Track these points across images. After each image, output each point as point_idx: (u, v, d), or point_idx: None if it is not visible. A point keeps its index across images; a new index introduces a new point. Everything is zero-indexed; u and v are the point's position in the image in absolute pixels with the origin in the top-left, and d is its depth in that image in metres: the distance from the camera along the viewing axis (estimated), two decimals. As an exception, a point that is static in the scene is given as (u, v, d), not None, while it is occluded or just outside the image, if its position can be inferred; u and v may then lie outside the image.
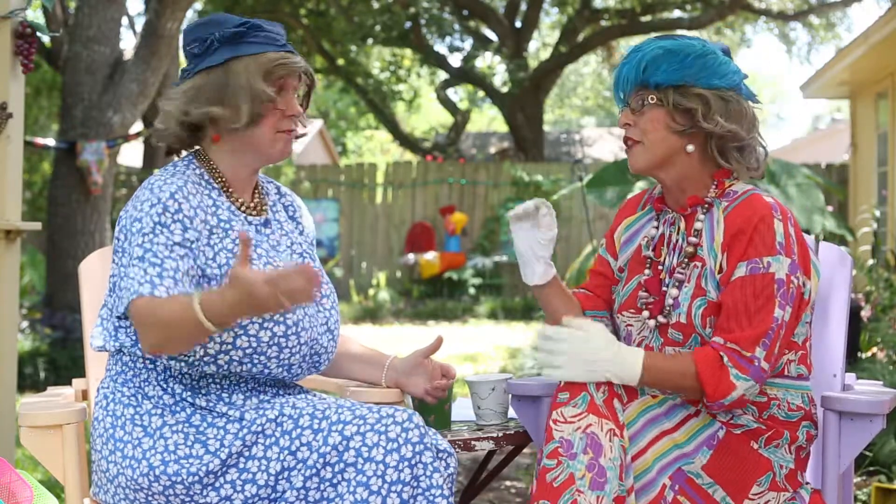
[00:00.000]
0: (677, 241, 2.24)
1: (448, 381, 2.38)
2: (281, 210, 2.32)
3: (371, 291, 13.13)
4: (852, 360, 5.18)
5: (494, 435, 2.39)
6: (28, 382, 6.85)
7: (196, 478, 2.00)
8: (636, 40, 2.66)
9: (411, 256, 13.44)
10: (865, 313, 5.59)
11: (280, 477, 2.01)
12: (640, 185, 7.00)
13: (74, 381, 2.52)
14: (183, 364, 2.09)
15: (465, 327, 11.41)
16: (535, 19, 17.68)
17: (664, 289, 2.22)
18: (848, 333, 2.49)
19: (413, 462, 2.00)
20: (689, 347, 2.17)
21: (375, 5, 16.11)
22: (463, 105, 21.81)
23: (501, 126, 26.27)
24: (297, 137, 2.24)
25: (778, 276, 2.09)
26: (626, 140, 2.24)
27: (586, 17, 16.78)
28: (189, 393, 2.10)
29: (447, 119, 23.74)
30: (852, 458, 2.20)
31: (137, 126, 8.54)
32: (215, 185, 2.18)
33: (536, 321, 10.37)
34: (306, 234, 2.35)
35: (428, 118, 28.34)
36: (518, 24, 17.27)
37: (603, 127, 28.42)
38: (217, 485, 2.01)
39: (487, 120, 30.57)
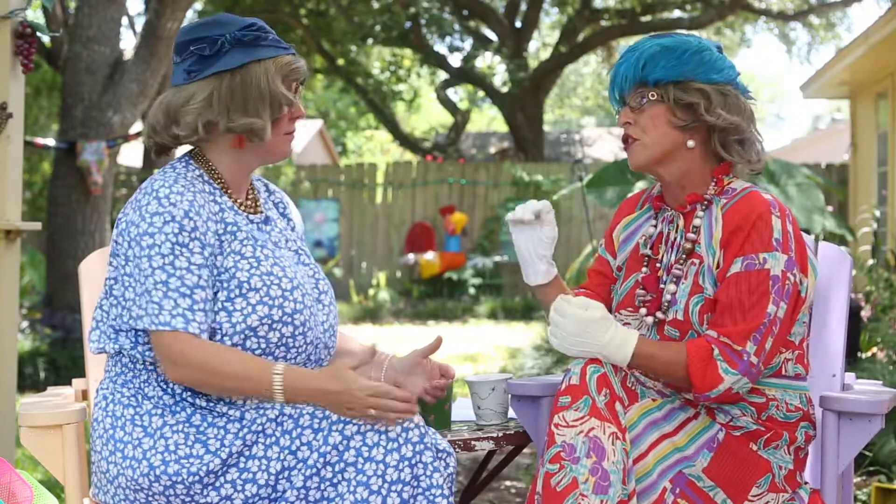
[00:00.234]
0: (676, 238, 2.25)
1: (447, 381, 2.38)
2: (272, 207, 2.33)
3: (371, 291, 13.13)
4: (852, 360, 5.18)
5: (494, 435, 2.39)
6: (28, 382, 6.86)
7: (196, 477, 2.00)
8: (636, 40, 2.65)
9: (411, 256, 13.44)
10: (865, 313, 5.59)
11: (280, 476, 2.01)
12: (640, 185, 7.00)
13: (74, 381, 2.52)
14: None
15: (465, 327, 11.41)
16: (535, 19, 17.68)
17: (662, 286, 2.23)
18: (848, 333, 2.49)
19: (413, 462, 2.00)
20: None
21: (375, 5, 16.10)
22: (463, 105, 21.80)
23: (501, 126, 26.26)
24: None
25: (773, 272, 2.10)
26: (625, 138, 2.24)
27: (586, 17, 16.78)
28: (189, 393, 2.10)
29: (447, 119, 23.74)
30: (851, 457, 2.20)
31: (137, 126, 8.53)
32: (216, 186, 2.18)
33: (536, 321, 10.37)
34: (297, 230, 2.35)
35: (428, 118, 28.33)
36: (518, 24, 17.27)
37: (603, 127, 28.41)
38: (217, 484, 2.01)
39: (487, 120, 30.57)
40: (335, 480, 1.99)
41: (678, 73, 2.17)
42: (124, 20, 9.98)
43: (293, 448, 2.02)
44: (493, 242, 13.66)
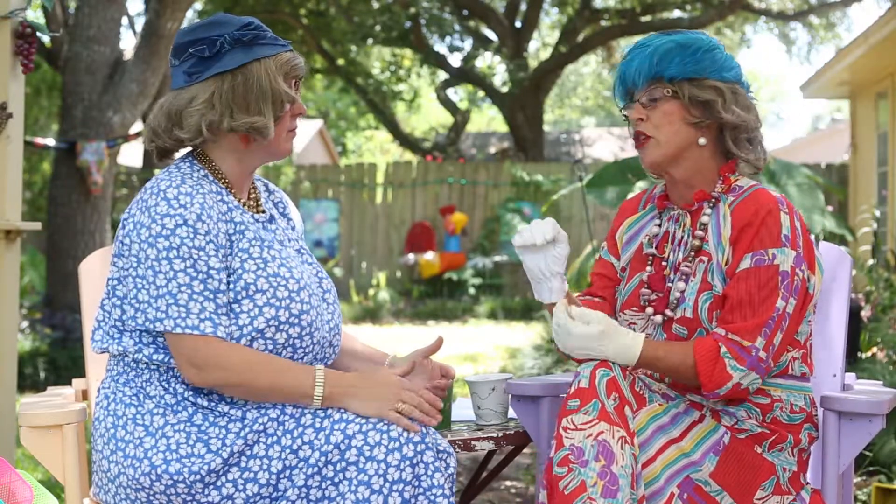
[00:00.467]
0: (682, 236, 2.25)
1: (447, 381, 2.38)
2: (273, 207, 2.33)
3: (371, 291, 13.13)
4: (852, 360, 5.18)
5: (494, 435, 2.39)
6: (28, 382, 6.85)
7: (198, 477, 2.00)
8: (638, 39, 2.64)
9: (411, 256, 13.44)
10: (865, 313, 5.59)
11: (282, 475, 2.01)
12: (640, 185, 7.00)
13: (74, 381, 2.52)
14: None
15: (465, 327, 11.41)
16: (535, 19, 17.67)
17: (668, 284, 2.22)
18: (848, 333, 2.49)
19: (415, 461, 2.00)
20: None
21: (375, 5, 16.11)
22: (463, 105, 21.80)
23: (501, 126, 26.27)
24: None
25: (782, 268, 2.10)
26: (637, 135, 2.23)
27: (586, 17, 16.78)
28: (191, 392, 2.10)
29: (447, 119, 23.74)
30: (852, 458, 2.20)
31: (137, 126, 8.54)
32: (222, 186, 2.18)
33: (536, 321, 10.37)
34: (297, 230, 2.36)
35: (428, 118, 28.33)
36: (518, 24, 17.27)
37: (603, 127, 28.41)
38: (219, 484, 2.01)
39: (487, 120, 30.57)
40: (336, 479, 1.99)
41: (693, 70, 2.18)
42: (124, 20, 9.98)
43: (295, 447, 2.02)
44: (493, 242, 13.65)
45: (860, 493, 3.67)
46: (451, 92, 20.47)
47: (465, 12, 17.29)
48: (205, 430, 2.05)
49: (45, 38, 8.30)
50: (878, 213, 7.90)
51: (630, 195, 2.68)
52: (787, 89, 42.14)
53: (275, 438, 2.04)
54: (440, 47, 18.17)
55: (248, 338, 2.07)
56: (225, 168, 2.20)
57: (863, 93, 11.43)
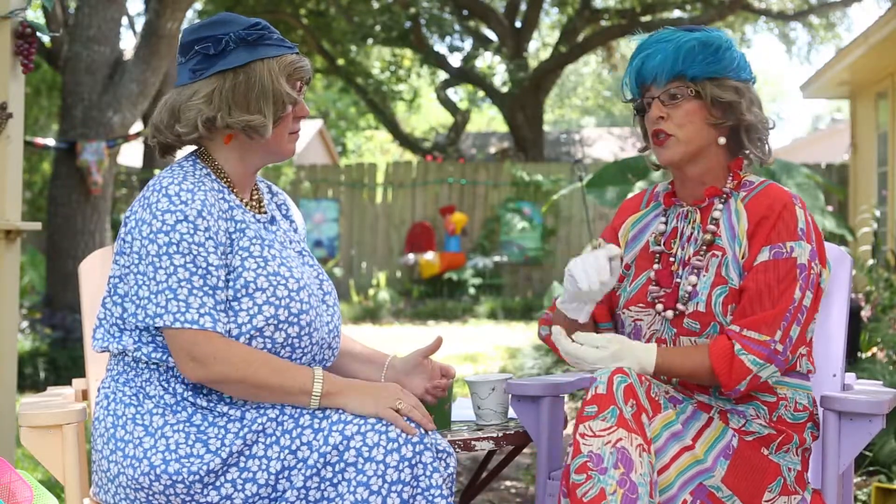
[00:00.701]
0: (692, 232, 2.25)
1: (447, 381, 2.38)
2: (275, 208, 2.33)
3: (371, 291, 13.13)
4: (852, 360, 5.18)
5: (494, 435, 2.39)
6: (28, 382, 6.85)
7: (197, 477, 2.00)
8: (650, 34, 2.59)
9: (411, 256, 13.44)
10: (865, 313, 5.59)
11: (280, 476, 2.01)
12: (640, 185, 6.99)
13: (74, 381, 2.52)
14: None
15: (465, 327, 11.41)
16: (535, 19, 17.67)
17: (677, 280, 2.22)
18: (848, 333, 2.49)
19: (413, 462, 2.00)
20: (707, 337, 2.17)
21: (375, 5, 16.11)
22: (463, 105, 21.80)
23: (501, 126, 26.26)
24: None
25: (800, 260, 2.11)
26: (657, 133, 2.21)
27: (586, 17, 16.78)
28: (190, 392, 2.10)
29: (447, 119, 23.74)
30: (852, 458, 2.20)
31: (137, 126, 8.55)
32: (224, 185, 2.18)
33: (536, 321, 10.36)
34: (299, 232, 2.36)
35: (428, 118, 28.33)
36: (518, 24, 17.27)
37: (603, 127, 28.41)
38: (218, 484, 2.01)
39: (487, 120, 30.56)
40: (335, 480, 1.99)
41: (715, 69, 2.17)
42: (124, 20, 9.98)
43: (293, 448, 2.02)
44: (493, 242, 13.65)
45: (860, 493, 3.67)
46: (451, 92, 20.47)
47: (465, 12, 17.29)
48: (204, 431, 2.05)
49: (45, 38, 8.30)
50: (878, 213, 7.90)
51: (630, 195, 2.67)
52: (787, 89, 42.14)
53: (273, 439, 2.04)
54: (440, 47, 18.20)
55: (247, 336, 2.07)
56: (227, 167, 2.20)
57: (863, 93, 11.43)
